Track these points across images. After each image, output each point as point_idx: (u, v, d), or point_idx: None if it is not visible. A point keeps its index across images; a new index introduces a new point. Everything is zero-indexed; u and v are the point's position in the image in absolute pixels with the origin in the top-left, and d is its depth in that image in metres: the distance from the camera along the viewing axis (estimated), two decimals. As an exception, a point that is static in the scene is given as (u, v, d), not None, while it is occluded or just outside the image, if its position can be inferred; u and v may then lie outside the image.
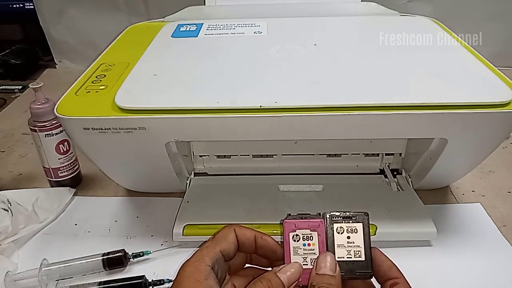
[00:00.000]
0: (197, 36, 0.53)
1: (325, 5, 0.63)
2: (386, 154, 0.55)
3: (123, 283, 0.41)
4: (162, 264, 0.44)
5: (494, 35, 0.82)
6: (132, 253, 0.44)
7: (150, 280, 0.41)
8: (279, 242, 0.32)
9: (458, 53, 0.47)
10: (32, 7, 0.90)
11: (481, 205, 0.52)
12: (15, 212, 0.48)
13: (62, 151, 0.54)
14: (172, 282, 0.36)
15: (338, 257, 0.30)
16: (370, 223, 0.31)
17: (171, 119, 0.38)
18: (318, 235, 0.31)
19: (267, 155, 0.55)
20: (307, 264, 0.30)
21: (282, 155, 0.55)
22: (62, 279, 0.42)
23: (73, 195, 0.55)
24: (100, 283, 0.41)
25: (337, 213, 0.31)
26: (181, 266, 0.28)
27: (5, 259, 0.44)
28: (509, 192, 0.55)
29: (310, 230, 0.31)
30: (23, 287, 0.42)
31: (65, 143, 0.53)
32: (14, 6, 0.92)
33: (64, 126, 0.42)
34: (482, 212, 0.51)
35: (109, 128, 0.39)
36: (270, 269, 0.31)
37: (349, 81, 0.41)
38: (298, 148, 0.54)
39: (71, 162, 0.55)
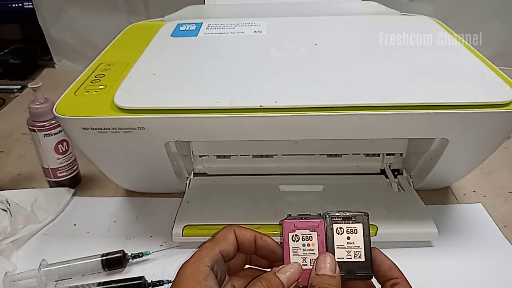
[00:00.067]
0: (196, 36, 0.53)
1: (326, 4, 0.63)
2: (387, 154, 0.55)
3: (122, 283, 0.41)
4: (162, 264, 0.44)
5: (494, 35, 0.81)
6: (132, 254, 0.44)
7: (149, 281, 0.41)
8: (279, 243, 0.32)
9: (459, 53, 0.47)
10: (31, 6, 0.90)
11: (482, 206, 0.52)
12: (14, 213, 0.48)
13: (61, 151, 0.53)
14: (171, 283, 0.36)
15: (337, 258, 0.30)
16: (370, 223, 0.31)
17: (171, 119, 0.38)
18: (317, 235, 0.31)
19: (267, 155, 0.55)
20: (306, 265, 0.30)
21: (282, 155, 0.55)
22: (61, 280, 0.42)
23: (72, 196, 0.55)
24: (99, 284, 0.40)
25: (337, 214, 0.31)
26: (181, 267, 0.28)
27: (4, 260, 0.44)
28: (510, 192, 0.55)
29: (310, 231, 0.31)
30: (22, 287, 0.42)
31: (64, 143, 0.53)
32: (13, 5, 0.92)
33: (63, 126, 0.42)
34: (483, 212, 0.51)
35: (108, 128, 0.39)
36: (270, 270, 0.30)
37: (349, 81, 0.41)
38: (298, 148, 0.54)
39: (70, 162, 0.55)
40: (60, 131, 0.52)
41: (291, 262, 0.30)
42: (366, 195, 0.50)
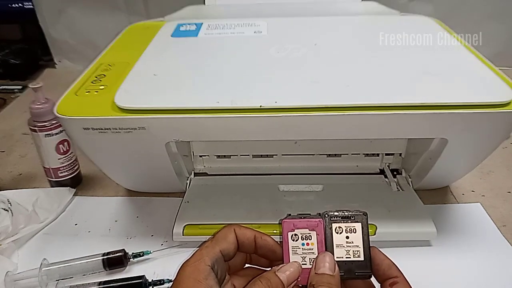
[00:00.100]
0: (197, 36, 0.53)
1: (326, 5, 0.63)
2: (386, 154, 0.55)
3: (123, 283, 0.41)
4: (162, 264, 0.44)
5: (494, 35, 0.82)
6: (132, 253, 0.44)
7: (150, 280, 0.41)
8: (279, 242, 0.32)
9: (459, 53, 0.47)
10: (32, 6, 0.90)
11: (481, 205, 0.52)
12: (15, 212, 0.48)
13: (62, 151, 0.54)
14: (172, 282, 0.36)
15: (337, 257, 0.30)
16: (369, 223, 0.31)
17: (171, 119, 0.38)
18: (317, 234, 0.31)
19: (267, 155, 0.55)
20: (306, 264, 0.30)
21: (282, 155, 0.55)
22: (62, 279, 0.42)
23: (73, 195, 0.55)
24: (100, 283, 0.40)
25: (336, 213, 0.31)
26: (181, 266, 0.28)
27: (5, 259, 0.44)
28: (509, 192, 0.55)
29: (309, 230, 0.31)
30: (23, 287, 0.42)
31: (65, 143, 0.53)
32: (14, 5, 0.92)
33: (64, 126, 0.42)
34: (482, 212, 0.51)
35: (109, 128, 0.39)
36: (269, 269, 0.30)
37: (349, 81, 0.41)
38: (298, 148, 0.54)
39: (71, 162, 0.55)
40: (61, 131, 0.52)
41: (290, 261, 0.30)
42: (365, 195, 0.50)
